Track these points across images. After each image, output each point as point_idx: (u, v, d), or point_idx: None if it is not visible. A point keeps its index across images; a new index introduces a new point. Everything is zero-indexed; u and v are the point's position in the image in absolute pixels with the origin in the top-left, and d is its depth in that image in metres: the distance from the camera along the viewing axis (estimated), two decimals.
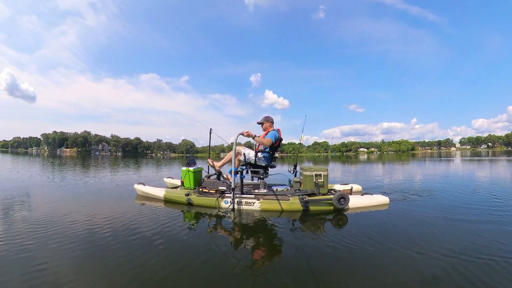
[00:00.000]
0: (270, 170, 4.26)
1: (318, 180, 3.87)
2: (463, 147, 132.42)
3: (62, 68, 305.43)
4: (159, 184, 5.51)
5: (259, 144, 4.09)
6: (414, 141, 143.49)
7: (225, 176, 4.30)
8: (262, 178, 4.16)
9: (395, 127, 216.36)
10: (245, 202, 3.78)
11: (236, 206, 3.70)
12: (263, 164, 4.09)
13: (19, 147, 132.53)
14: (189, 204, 4.01)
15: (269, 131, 4.17)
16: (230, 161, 3.97)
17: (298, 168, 4.38)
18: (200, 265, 2.01)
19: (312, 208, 3.72)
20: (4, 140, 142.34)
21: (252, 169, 4.06)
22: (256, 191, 4.00)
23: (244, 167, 4.02)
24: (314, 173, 3.87)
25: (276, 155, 4.36)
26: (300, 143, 4.77)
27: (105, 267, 1.98)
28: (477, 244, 2.40)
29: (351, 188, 4.68)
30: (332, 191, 4.09)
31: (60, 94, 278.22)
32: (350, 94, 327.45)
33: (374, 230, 2.84)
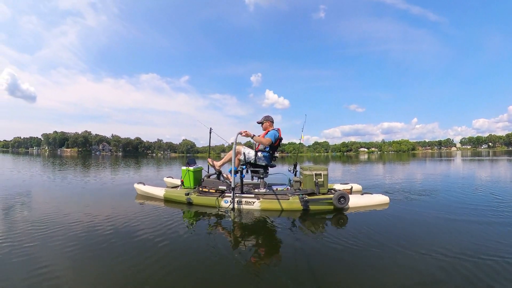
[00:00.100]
0: (270, 170, 4.25)
1: (318, 180, 3.86)
2: (463, 147, 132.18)
3: (63, 68, 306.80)
4: (159, 184, 5.51)
5: (259, 144, 4.09)
6: (414, 141, 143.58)
7: (225, 175, 4.30)
8: (262, 178, 4.16)
9: (396, 127, 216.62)
10: (245, 201, 3.78)
11: (236, 206, 3.70)
12: (263, 164, 4.09)
13: (19, 147, 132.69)
14: (189, 203, 4.01)
15: (269, 131, 4.17)
16: (230, 160, 3.97)
17: (298, 167, 4.37)
18: (200, 265, 2.01)
19: (312, 207, 3.71)
20: (5, 140, 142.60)
21: (252, 169, 4.06)
22: (256, 190, 3.99)
23: (244, 167, 4.02)
24: (314, 173, 3.87)
25: (277, 154, 4.36)
26: (300, 143, 4.77)
27: (105, 267, 1.98)
28: (478, 244, 2.40)
29: (351, 187, 4.67)
30: (332, 191, 4.08)
31: (60, 94, 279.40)
32: (351, 94, 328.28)
33: (374, 229, 2.84)
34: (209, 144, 4.84)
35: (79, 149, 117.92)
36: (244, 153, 3.93)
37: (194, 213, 3.63)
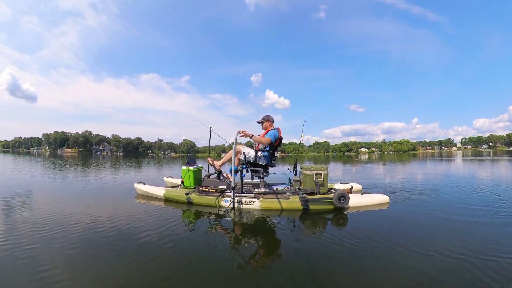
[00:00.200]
0: (270, 169, 4.25)
1: (318, 179, 3.86)
2: (464, 147, 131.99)
3: (63, 68, 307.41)
4: (159, 184, 5.51)
5: (259, 143, 4.09)
6: (415, 141, 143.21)
7: (225, 175, 4.30)
8: (262, 177, 4.16)
9: (396, 127, 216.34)
10: (245, 201, 3.78)
11: (236, 205, 3.70)
12: (263, 163, 4.09)
13: (20, 147, 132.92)
14: (189, 203, 4.01)
15: (269, 130, 4.17)
16: (230, 160, 3.97)
17: (298, 167, 4.37)
18: (200, 264, 2.01)
19: (312, 207, 3.71)
20: (6, 140, 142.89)
21: (252, 168, 4.06)
22: (256, 190, 4.00)
23: (244, 166, 4.02)
24: (314, 172, 3.87)
25: (277, 154, 4.35)
26: (300, 143, 4.77)
27: (106, 267, 1.98)
28: (479, 244, 2.39)
29: (351, 187, 4.67)
30: (332, 190, 4.08)
31: (61, 94, 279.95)
32: (351, 94, 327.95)
33: (374, 229, 2.84)
34: (209, 144, 4.84)
35: (80, 149, 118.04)
36: (244, 152, 3.92)
37: (194, 212, 3.63)
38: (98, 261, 2.06)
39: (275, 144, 4.12)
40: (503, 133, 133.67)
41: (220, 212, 3.61)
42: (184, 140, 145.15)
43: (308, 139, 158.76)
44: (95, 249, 2.26)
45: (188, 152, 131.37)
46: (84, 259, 2.08)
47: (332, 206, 3.72)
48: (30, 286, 1.69)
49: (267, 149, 4.10)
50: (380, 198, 4.05)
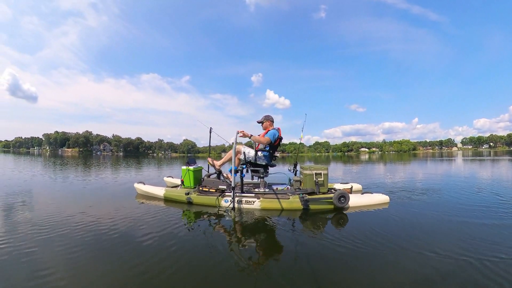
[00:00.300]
0: (270, 169, 4.25)
1: (318, 179, 3.86)
2: (464, 147, 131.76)
3: (64, 69, 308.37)
4: (160, 183, 5.51)
5: (259, 143, 4.09)
6: (415, 141, 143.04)
7: (225, 175, 4.30)
8: (262, 177, 4.16)
9: (397, 127, 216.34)
10: (245, 201, 3.78)
11: (236, 205, 3.70)
12: (263, 163, 4.09)
13: (21, 147, 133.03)
14: (189, 203, 4.01)
15: (269, 130, 4.17)
16: (230, 160, 3.98)
17: (298, 167, 4.37)
18: (200, 264, 2.01)
19: (312, 207, 3.71)
20: (6, 140, 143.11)
21: (252, 168, 4.06)
22: (256, 190, 4.00)
23: (244, 166, 4.02)
24: (314, 172, 3.87)
25: (277, 154, 4.35)
26: (300, 143, 4.77)
27: (107, 268, 1.98)
28: (479, 244, 2.38)
29: (351, 187, 4.67)
30: (332, 190, 4.08)
31: (61, 94, 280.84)
32: (351, 94, 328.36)
33: (374, 229, 2.84)
34: (209, 144, 4.85)
35: (80, 149, 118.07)
36: (244, 152, 3.93)
37: (194, 212, 3.63)
38: (99, 261, 2.07)
39: (275, 144, 4.12)
40: (503, 133, 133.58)
41: (220, 212, 3.61)
42: (184, 140, 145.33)
43: (309, 139, 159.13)
44: (95, 250, 2.27)
45: (188, 152, 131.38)
46: (84, 260, 2.08)
47: (332, 206, 3.72)
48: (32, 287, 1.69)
49: (267, 149, 4.10)
50: (380, 198, 4.05)
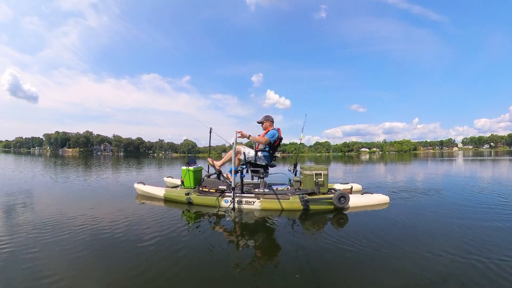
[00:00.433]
0: (270, 170, 4.25)
1: (318, 179, 3.86)
2: (465, 147, 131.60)
3: (64, 69, 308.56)
4: (160, 184, 5.52)
5: (259, 143, 4.09)
6: (416, 141, 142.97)
7: (225, 175, 4.30)
8: (262, 177, 4.16)
9: (397, 127, 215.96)
10: (245, 201, 3.78)
11: (236, 205, 3.70)
12: (263, 163, 4.09)
13: (21, 147, 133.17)
14: (189, 203, 4.01)
15: (269, 130, 4.17)
16: (230, 160, 3.98)
17: (298, 167, 4.37)
18: (200, 265, 2.01)
19: (312, 207, 3.71)
20: (7, 140, 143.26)
21: (252, 168, 4.07)
22: (256, 190, 4.00)
23: (244, 166, 4.02)
24: (314, 172, 3.87)
25: (278, 154, 4.35)
26: (301, 143, 4.77)
27: (107, 268, 1.98)
28: (480, 245, 2.38)
29: (351, 187, 4.67)
30: (332, 190, 4.08)
31: (62, 94, 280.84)
32: (352, 94, 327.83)
33: (374, 229, 2.83)
34: (209, 144, 4.85)
35: (81, 149, 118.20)
36: (244, 152, 3.93)
37: (194, 213, 3.63)
38: (99, 262, 2.07)
39: (275, 145, 4.12)
40: (504, 133, 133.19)
41: (220, 212, 3.61)
42: (185, 140, 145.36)
43: (309, 139, 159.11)
44: (95, 251, 2.27)
45: (189, 152, 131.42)
46: (84, 261, 2.09)
47: (332, 206, 3.71)
48: None
49: (267, 149, 4.10)
50: (380, 198, 4.05)
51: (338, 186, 4.87)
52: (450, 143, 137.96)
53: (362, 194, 4.19)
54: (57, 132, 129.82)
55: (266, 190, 3.98)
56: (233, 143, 3.72)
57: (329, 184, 4.26)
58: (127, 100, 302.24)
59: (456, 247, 2.32)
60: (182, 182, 4.67)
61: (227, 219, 3.34)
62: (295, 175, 4.28)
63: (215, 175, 4.28)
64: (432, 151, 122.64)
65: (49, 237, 2.53)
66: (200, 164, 5.10)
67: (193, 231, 2.83)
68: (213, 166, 4.31)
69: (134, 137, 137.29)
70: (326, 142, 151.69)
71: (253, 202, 3.76)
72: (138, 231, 2.76)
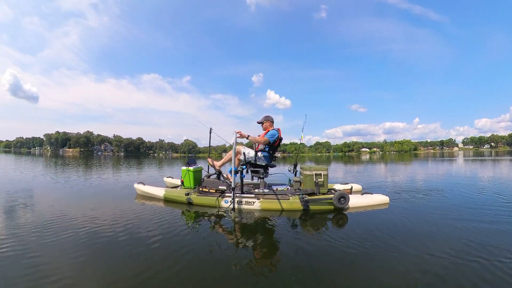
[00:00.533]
0: (270, 170, 4.26)
1: (318, 180, 3.86)
2: (465, 147, 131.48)
3: (65, 69, 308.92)
4: (160, 184, 5.52)
5: (259, 144, 4.09)
6: (416, 141, 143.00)
7: (225, 175, 4.30)
8: (262, 178, 4.16)
9: (398, 127, 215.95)
10: (245, 201, 3.78)
11: (236, 206, 3.70)
12: (263, 164, 4.09)
13: (22, 147, 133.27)
14: (189, 203, 4.01)
15: (268, 131, 4.17)
16: (230, 160, 3.98)
17: (298, 167, 4.37)
18: (200, 265, 2.01)
19: (312, 207, 3.71)
20: (7, 140, 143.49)
21: (252, 169, 4.07)
22: (256, 190, 4.00)
23: (244, 167, 4.02)
24: (314, 173, 3.87)
25: (278, 154, 4.35)
26: (301, 143, 4.77)
27: (107, 268, 1.99)
28: (480, 246, 2.37)
29: (351, 187, 4.67)
30: (332, 191, 4.08)
31: (62, 94, 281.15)
32: (352, 94, 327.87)
33: (373, 229, 2.83)
34: (209, 144, 4.85)
35: (81, 149, 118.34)
36: (244, 153, 3.93)
37: (194, 213, 3.63)
38: (99, 262, 2.07)
39: (275, 145, 4.12)
40: (505, 133, 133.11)
41: (220, 213, 3.61)
42: (185, 140, 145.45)
43: (310, 139, 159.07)
44: (95, 251, 2.27)
45: (189, 152, 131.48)
46: (84, 261, 2.09)
47: (332, 207, 3.71)
48: None
49: (267, 149, 4.10)
50: (380, 199, 4.04)
51: (338, 187, 4.87)
52: (451, 143, 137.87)
53: (362, 194, 4.19)
54: (57, 132, 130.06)
55: (266, 191, 3.98)
56: (233, 144, 3.72)
57: (329, 185, 4.26)
58: (128, 100, 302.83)
59: (456, 248, 2.32)
60: (182, 182, 4.67)
61: (227, 219, 3.34)
62: (295, 175, 4.28)
63: (215, 175, 4.28)
64: (432, 151, 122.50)
65: (50, 238, 2.54)
66: (200, 164, 5.10)
67: (193, 232, 2.83)
68: (213, 166, 4.31)
69: (134, 137, 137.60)
70: (327, 142, 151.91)
71: (253, 203, 3.76)
72: (138, 231, 2.76)
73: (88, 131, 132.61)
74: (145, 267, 1.95)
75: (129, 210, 3.69)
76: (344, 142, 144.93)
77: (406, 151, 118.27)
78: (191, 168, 4.57)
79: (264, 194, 3.87)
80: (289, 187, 4.17)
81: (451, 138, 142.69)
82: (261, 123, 4.37)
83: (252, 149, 4.14)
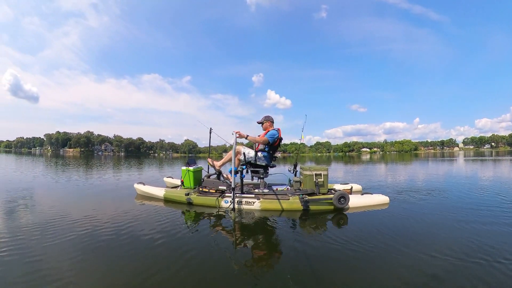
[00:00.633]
0: (270, 170, 4.26)
1: (318, 180, 3.86)
2: (466, 147, 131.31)
3: (65, 69, 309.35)
4: (160, 184, 5.52)
5: (259, 144, 4.10)
6: (417, 141, 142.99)
7: (225, 175, 4.30)
8: (262, 178, 4.16)
9: (398, 127, 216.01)
10: (245, 201, 3.78)
11: (236, 206, 3.70)
12: (263, 164, 4.09)
13: (22, 147, 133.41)
14: (189, 203, 4.01)
15: (268, 131, 4.17)
16: (230, 160, 3.98)
17: (298, 167, 4.37)
18: (200, 265, 2.01)
19: (312, 207, 3.71)
20: (8, 140, 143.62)
21: (252, 169, 4.07)
22: (256, 190, 4.00)
23: (244, 167, 4.03)
24: (314, 173, 3.87)
25: (278, 154, 4.36)
26: (301, 143, 4.77)
27: (107, 269, 1.99)
28: (480, 246, 2.37)
29: (351, 187, 4.67)
30: (332, 191, 4.08)
31: (63, 94, 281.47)
32: (353, 94, 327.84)
33: (373, 229, 2.84)
34: (209, 144, 4.85)
35: (82, 149, 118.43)
36: (244, 153, 3.93)
37: (194, 213, 3.64)
38: (99, 263, 2.07)
39: (275, 145, 4.13)
40: (505, 133, 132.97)
41: (220, 213, 3.61)
42: (185, 140, 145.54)
43: (310, 139, 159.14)
44: (95, 252, 2.28)
45: (189, 152, 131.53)
46: (85, 261, 2.09)
47: (332, 207, 3.71)
48: None
49: (267, 149, 4.10)
50: (380, 199, 4.04)
51: (338, 187, 4.87)
52: (451, 143, 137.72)
53: (362, 194, 4.19)
54: (58, 132, 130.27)
55: (266, 191, 3.98)
56: (233, 144, 3.72)
57: (329, 185, 4.26)
58: (128, 100, 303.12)
59: (455, 248, 2.32)
60: (182, 182, 4.67)
61: (227, 219, 3.34)
62: (295, 175, 4.28)
63: (215, 175, 4.29)
64: (433, 151, 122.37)
65: (51, 238, 2.54)
66: (201, 164, 5.10)
67: (193, 232, 2.84)
68: (213, 166, 4.31)
69: (135, 137, 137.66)
70: (327, 142, 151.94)
71: (253, 203, 3.76)
72: (138, 231, 2.77)
73: (89, 131, 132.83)
74: (145, 267, 1.96)
75: (129, 210, 3.70)
76: (345, 142, 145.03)
77: (407, 151, 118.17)
78: (191, 168, 4.58)
79: (264, 194, 3.87)
80: (289, 187, 4.17)
81: (451, 138, 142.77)
82: (261, 123, 4.38)
83: (252, 149, 4.14)
